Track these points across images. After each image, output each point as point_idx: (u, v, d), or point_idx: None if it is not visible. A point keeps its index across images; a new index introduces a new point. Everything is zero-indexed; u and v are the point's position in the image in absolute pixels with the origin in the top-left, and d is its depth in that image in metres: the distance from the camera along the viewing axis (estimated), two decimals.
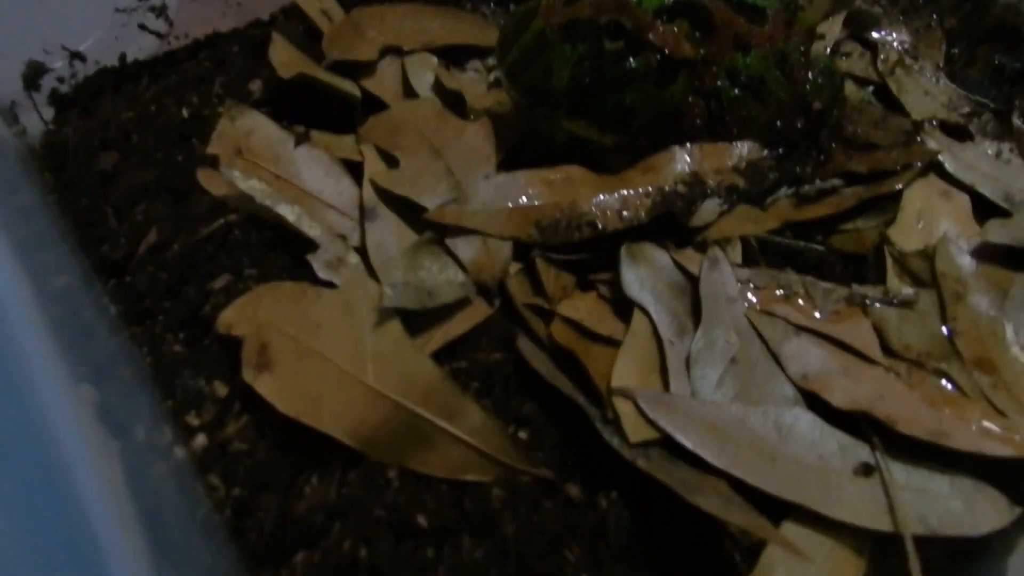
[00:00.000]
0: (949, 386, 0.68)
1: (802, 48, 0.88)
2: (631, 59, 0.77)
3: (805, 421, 0.65)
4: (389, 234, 0.77)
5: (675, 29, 0.79)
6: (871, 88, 1.05)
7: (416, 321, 0.71)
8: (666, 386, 0.68)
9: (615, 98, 0.79)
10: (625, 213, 0.78)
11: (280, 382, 0.65)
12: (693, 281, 0.76)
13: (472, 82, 0.97)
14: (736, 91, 0.83)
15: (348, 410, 0.63)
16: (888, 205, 0.86)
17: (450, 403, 0.63)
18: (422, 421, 0.62)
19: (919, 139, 0.91)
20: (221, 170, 0.78)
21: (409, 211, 0.78)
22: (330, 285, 0.73)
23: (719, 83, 0.82)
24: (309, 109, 0.91)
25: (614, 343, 0.71)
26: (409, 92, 0.94)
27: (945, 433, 0.63)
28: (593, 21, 0.77)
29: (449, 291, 0.71)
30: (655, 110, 0.80)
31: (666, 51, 0.78)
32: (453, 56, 1.01)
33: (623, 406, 0.64)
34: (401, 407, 0.63)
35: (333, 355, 0.65)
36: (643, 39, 0.77)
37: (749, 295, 0.75)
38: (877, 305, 0.75)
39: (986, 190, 0.87)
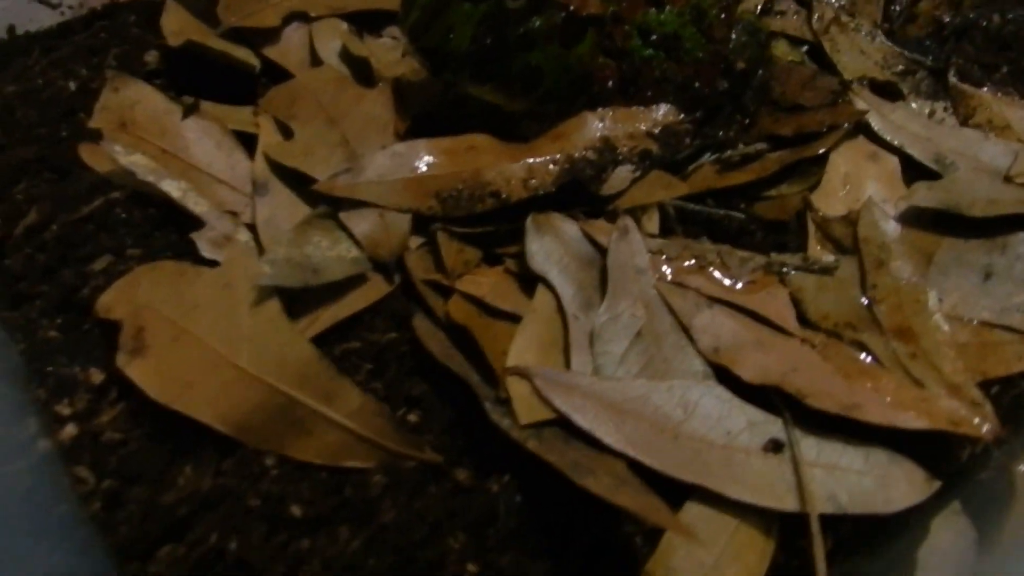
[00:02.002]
0: (866, 357, 0.64)
1: (724, 4, 0.83)
2: (534, 18, 0.73)
3: (712, 396, 0.62)
4: (281, 209, 0.72)
5: None
6: (805, 48, 1.00)
7: (305, 300, 0.67)
8: (568, 363, 0.64)
9: (520, 60, 0.75)
10: (531, 182, 0.73)
11: (154, 367, 0.61)
12: (603, 252, 0.72)
13: (386, 49, 0.92)
14: (649, 50, 0.78)
15: (222, 395, 0.59)
16: (813, 169, 0.82)
17: (327, 385, 0.59)
18: (298, 405, 0.58)
19: (847, 99, 0.86)
20: (103, 145, 0.73)
21: (303, 185, 0.74)
22: (215, 264, 0.68)
23: (631, 42, 0.77)
24: (208, 80, 0.86)
25: (517, 319, 0.67)
26: (316, 60, 0.89)
27: (858, 406, 0.60)
28: None
29: (339, 268, 0.67)
30: (563, 72, 0.76)
31: (571, 8, 0.73)
32: (369, 22, 0.96)
33: (517, 386, 0.60)
34: (276, 391, 0.59)
35: (208, 337, 0.61)
36: None
37: (661, 266, 0.71)
38: (795, 273, 0.71)
39: (915, 151, 0.83)
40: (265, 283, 0.62)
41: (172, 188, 0.72)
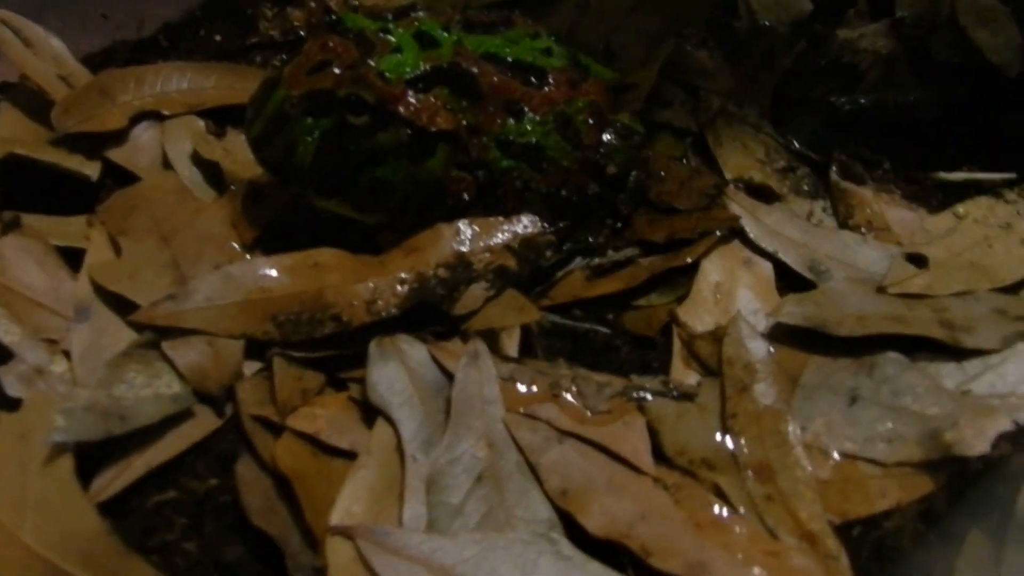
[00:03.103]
0: (720, 503, 0.60)
1: (594, 108, 0.80)
2: (379, 134, 0.68)
3: (552, 554, 0.57)
4: (103, 337, 0.67)
5: (431, 99, 0.70)
6: (689, 139, 0.97)
7: (118, 444, 0.61)
8: (401, 515, 0.59)
9: (366, 175, 0.70)
10: (375, 304, 0.69)
11: None
12: (452, 379, 0.66)
13: (244, 147, 0.87)
14: (509, 161, 0.74)
15: (2, 573, 0.52)
16: (683, 279, 0.78)
17: (115, 566, 0.53)
18: None
19: (722, 202, 0.83)
20: None
21: (131, 310, 0.68)
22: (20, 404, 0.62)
23: (489, 153, 0.73)
24: (47, 185, 0.80)
25: (356, 457, 0.62)
26: (167, 164, 0.83)
27: (705, 566, 0.56)
28: (334, 93, 0.67)
29: (155, 408, 0.62)
30: (413, 186, 0.72)
31: (419, 124, 0.69)
32: (236, 117, 0.91)
33: (338, 550, 0.55)
34: (60, 571, 0.52)
35: None
36: (391, 112, 0.68)
37: (514, 393, 0.66)
38: (654, 399, 0.66)
39: (789, 258, 0.80)
40: (58, 440, 0.56)
41: None
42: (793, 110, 1.08)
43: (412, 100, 0.69)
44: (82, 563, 0.52)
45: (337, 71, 0.68)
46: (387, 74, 0.68)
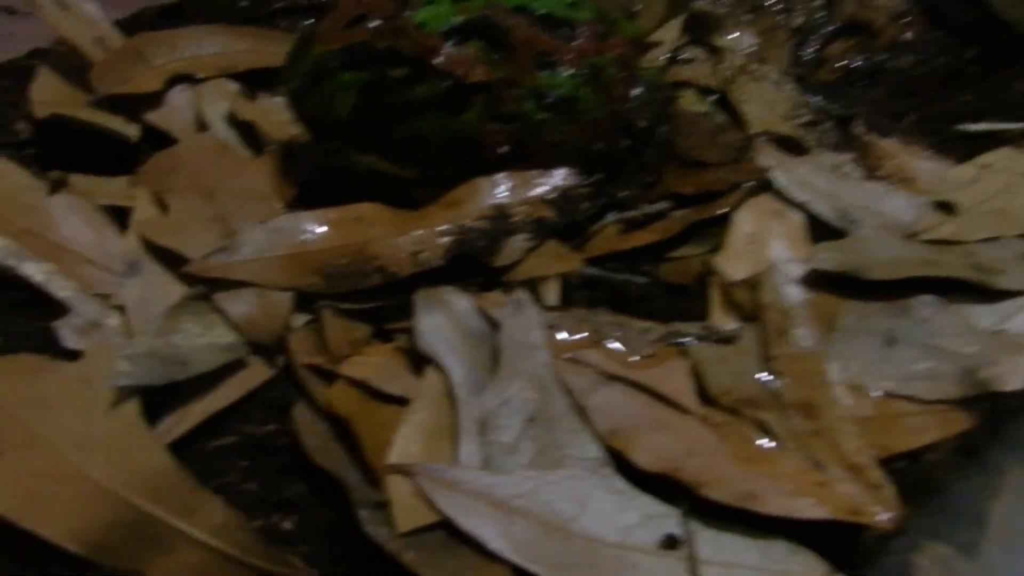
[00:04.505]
0: (766, 438, 0.61)
1: (622, 61, 0.81)
2: (417, 86, 0.69)
3: (606, 488, 0.58)
4: (154, 291, 0.68)
5: (466, 52, 0.71)
6: (714, 97, 0.98)
7: (175, 392, 0.62)
8: (457, 454, 0.60)
9: (403, 128, 0.71)
10: (420, 255, 0.70)
11: (4, 477, 0.56)
12: (497, 328, 0.68)
13: (278, 109, 0.88)
14: (543, 114, 0.75)
15: (73, 510, 0.54)
16: (717, 229, 0.79)
17: (187, 498, 0.54)
18: (155, 521, 0.54)
19: (750, 155, 0.84)
20: None
21: (179, 264, 0.69)
22: (79, 356, 0.63)
23: (523, 106, 0.74)
24: (86, 148, 0.82)
25: (407, 403, 0.64)
26: (202, 125, 0.84)
27: (755, 495, 0.57)
28: (372, 46, 0.68)
29: (211, 357, 0.63)
30: (450, 140, 0.73)
31: (456, 76, 0.70)
32: (263, 80, 0.92)
33: (398, 486, 0.56)
34: (131, 506, 0.54)
35: (60, 443, 0.56)
36: (428, 65, 0.69)
37: (557, 341, 0.67)
38: (696, 344, 0.68)
39: (819, 208, 0.81)
40: (123, 383, 0.58)
41: (34, 271, 0.67)
42: (812, 69, 1.08)
43: (449, 52, 0.70)
44: (154, 497, 0.54)
45: (374, 24, 0.69)
46: (424, 26, 0.69)
